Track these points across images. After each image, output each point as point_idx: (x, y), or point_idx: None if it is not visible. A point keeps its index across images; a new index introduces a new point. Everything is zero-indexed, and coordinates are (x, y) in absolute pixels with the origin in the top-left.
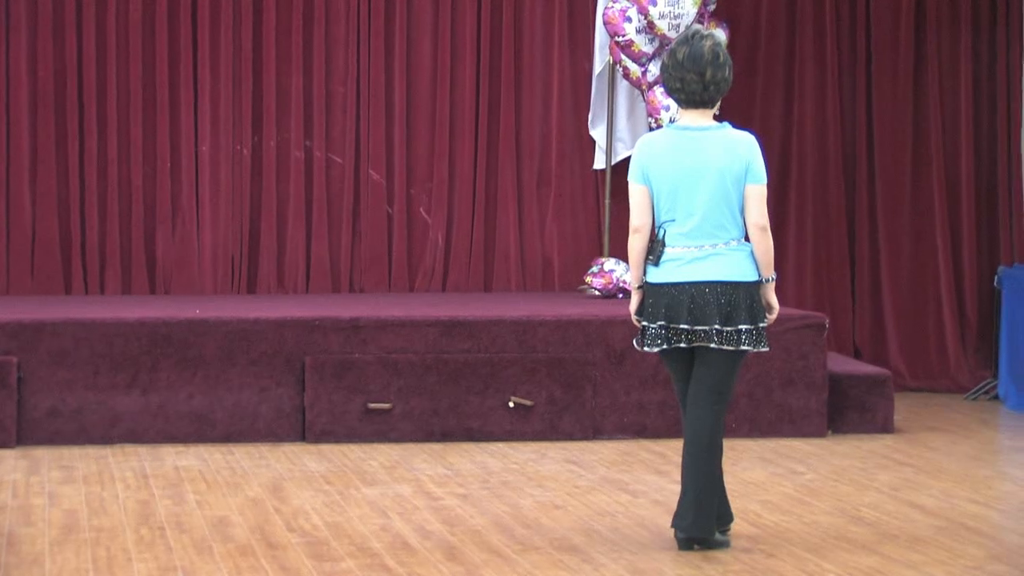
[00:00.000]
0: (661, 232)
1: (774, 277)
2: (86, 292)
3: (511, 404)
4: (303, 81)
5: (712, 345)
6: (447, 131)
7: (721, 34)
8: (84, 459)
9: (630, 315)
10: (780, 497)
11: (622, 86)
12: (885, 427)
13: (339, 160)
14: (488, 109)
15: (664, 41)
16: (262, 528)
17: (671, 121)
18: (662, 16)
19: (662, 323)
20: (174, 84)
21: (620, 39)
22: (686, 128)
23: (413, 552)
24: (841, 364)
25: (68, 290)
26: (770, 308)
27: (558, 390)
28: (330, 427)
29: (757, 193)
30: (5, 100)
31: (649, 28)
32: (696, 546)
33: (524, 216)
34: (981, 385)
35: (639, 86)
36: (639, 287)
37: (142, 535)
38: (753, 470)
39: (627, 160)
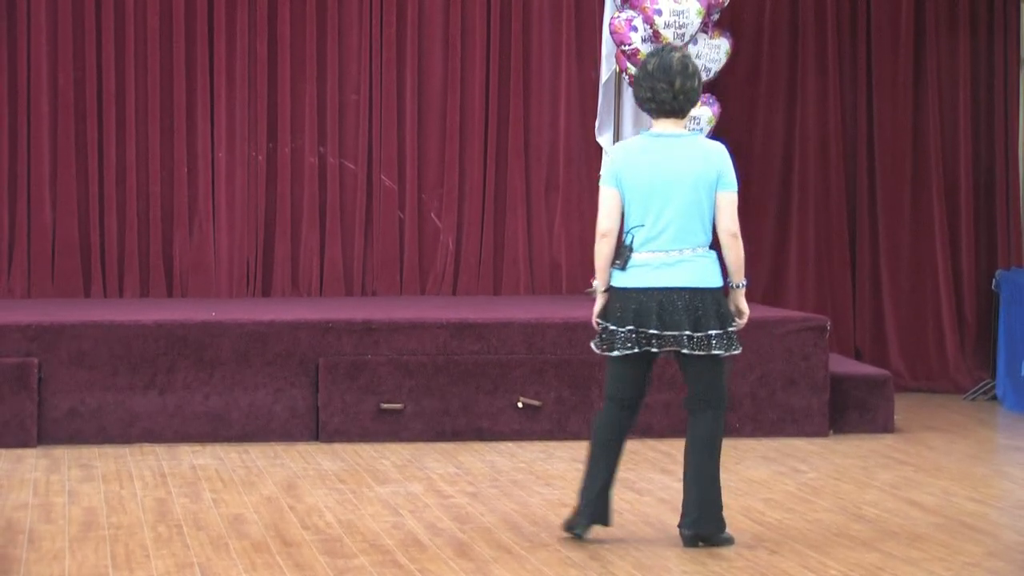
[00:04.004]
0: (629, 237)
1: (745, 283)
2: (105, 295)
3: (520, 404)
4: (317, 89)
5: (684, 351)
6: (457, 138)
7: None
8: (103, 458)
9: (592, 318)
10: (783, 495)
11: (628, 94)
12: (885, 427)
13: (352, 166)
14: (497, 116)
15: None
16: (277, 525)
17: (646, 128)
18: (667, 25)
19: (631, 327)
20: (191, 92)
21: (626, 48)
22: (660, 135)
23: (424, 549)
24: (842, 365)
25: (87, 293)
26: (740, 313)
27: (566, 391)
28: (343, 427)
29: (729, 200)
30: (26, 107)
31: (655, 37)
32: (701, 543)
33: (533, 221)
34: (979, 386)
35: None
36: (604, 291)
37: (160, 532)
38: (756, 469)
39: None
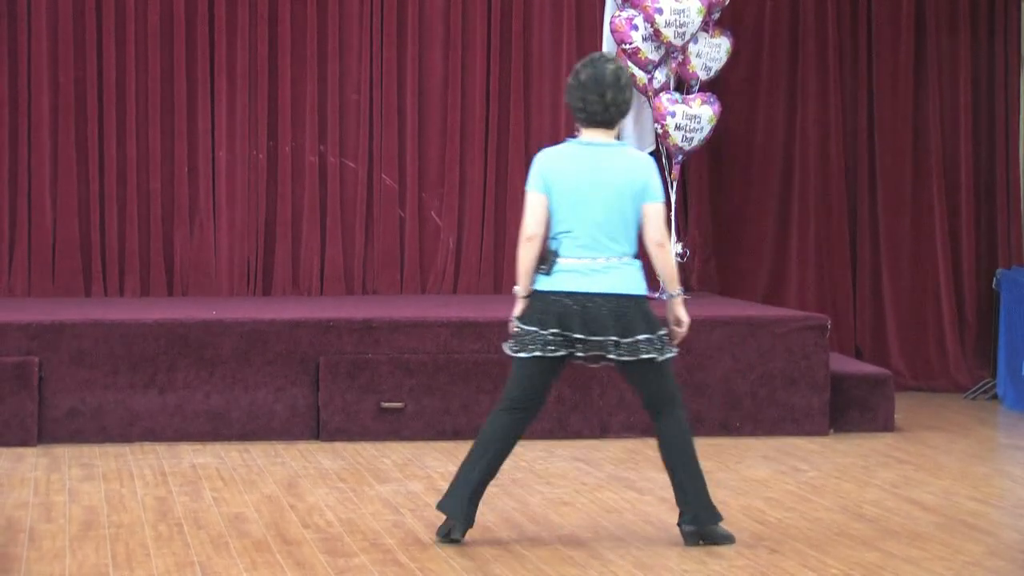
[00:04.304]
0: (556, 243)
1: (680, 292)
2: (105, 294)
3: None
4: (317, 88)
5: (611, 356)
6: (458, 136)
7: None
8: (103, 457)
9: (510, 321)
10: (783, 494)
11: None
12: (886, 426)
13: (352, 165)
14: (498, 114)
15: (670, 49)
16: (277, 524)
17: (575, 135)
18: (668, 24)
19: (556, 330)
20: (192, 91)
21: (627, 46)
22: (589, 143)
23: (425, 548)
24: (843, 364)
25: (88, 292)
26: (680, 322)
27: (566, 389)
28: (344, 426)
29: (655, 211)
30: (27, 106)
31: (655, 36)
32: (701, 541)
33: None
34: (980, 385)
35: (645, 93)
36: (525, 296)
37: (160, 531)
38: (757, 468)
39: None
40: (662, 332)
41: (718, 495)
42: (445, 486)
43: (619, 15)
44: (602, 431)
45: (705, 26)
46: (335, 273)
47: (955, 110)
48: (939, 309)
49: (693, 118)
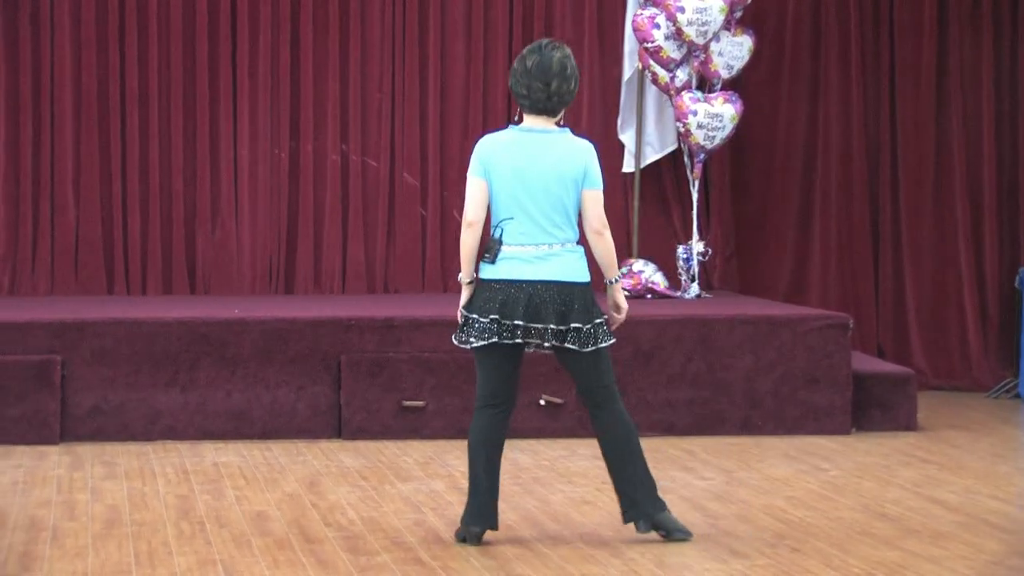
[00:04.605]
0: (499, 231)
1: (619, 278)
2: (128, 292)
3: (542, 402)
4: (339, 87)
5: (546, 344)
6: (480, 134)
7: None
8: (126, 455)
9: (457, 312)
10: (805, 493)
11: (651, 91)
12: (908, 425)
13: (374, 164)
14: (519, 113)
15: (692, 48)
16: (299, 522)
17: (516, 121)
18: (690, 23)
19: (495, 317)
20: (214, 90)
21: (649, 45)
22: (529, 130)
23: (446, 546)
24: (865, 363)
25: (110, 291)
26: (619, 308)
27: None
28: (365, 424)
29: (594, 198)
30: (50, 107)
31: (677, 34)
32: (656, 531)
33: None
34: (1002, 384)
35: (667, 91)
36: (469, 282)
37: (182, 529)
38: (778, 467)
39: (657, 164)
40: (598, 321)
41: (739, 494)
42: (466, 485)
43: (641, 13)
44: None
45: (727, 24)
46: (357, 272)
47: (978, 108)
48: (962, 308)
49: (715, 117)
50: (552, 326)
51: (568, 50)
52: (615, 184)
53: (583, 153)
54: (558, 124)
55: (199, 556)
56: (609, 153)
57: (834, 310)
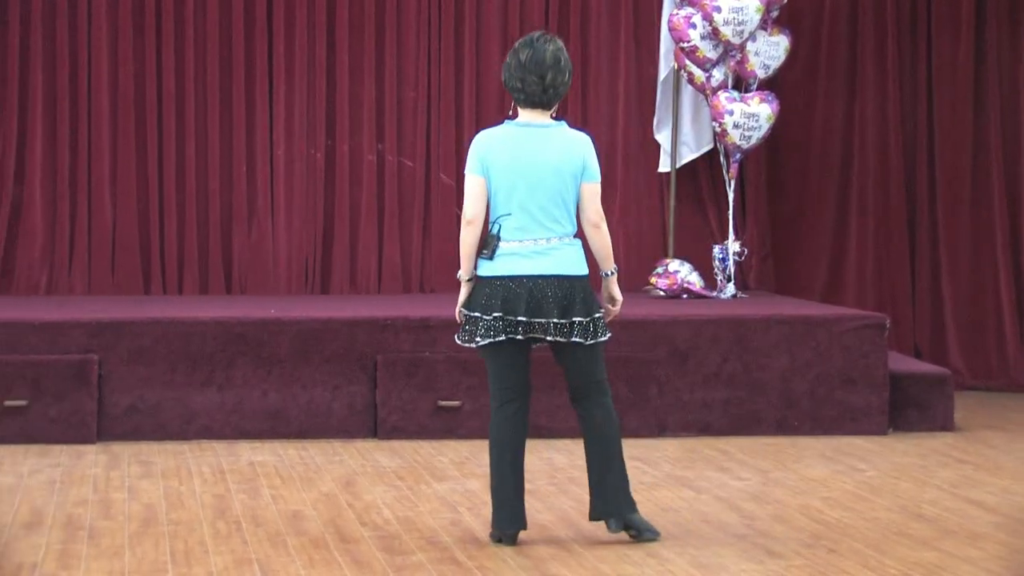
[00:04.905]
0: (496, 227)
1: (615, 270)
2: (164, 292)
3: None
4: (375, 87)
5: (548, 338)
6: None
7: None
8: (162, 454)
9: (456, 310)
10: (841, 493)
11: (687, 91)
12: (945, 425)
13: (410, 164)
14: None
15: (728, 47)
16: (335, 522)
17: (511, 116)
18: (726, 22)
19: (498, 314)
20: (250, 90)
21: (685, 45)
22: (526, 124)
23: (482, 546)
24: (902, 363)
25: (147, 290)
26: (614, 300)
27: (623, 388)
28: (401, 424)
29: (592, 191)
30: (87, 107)
31: (714, 34)
32: (627, 531)
33: None
34: None
35: (703, 91)
36: (468, 280)
37: (218, 528)
38: (815, 467)
39: (693, 164)
40: (597, 315)
41: (775, 494)
42: None
43: (677, 13)
44: (659, 430)
45: (763, 24)
46: (392, 272)
47: (1016, 106)
48: (999, 307)
49: (751, 116)
50: (555, 320)
51: (560, 43)
52: (651, 184)
53: (581, 146)
54: (553, 117)
55: (235, 555)
56: (645, 153)
57: (870, 310)
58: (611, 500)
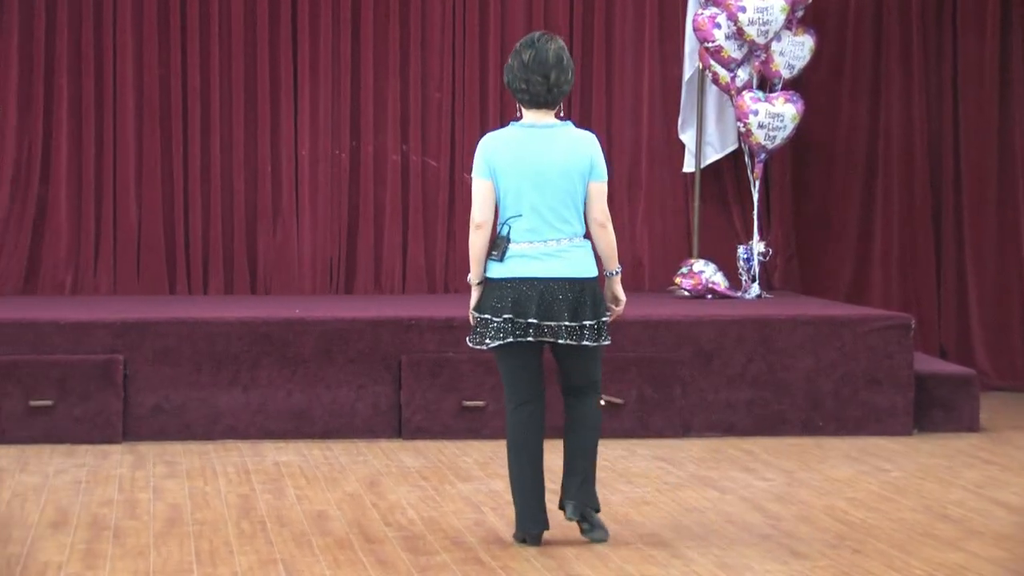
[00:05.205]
0: (506, 228)
1: (619, 270)
2: (189, 292)
3: (602, 402)
4: (400, 87)
5: (560, 341)
6: None
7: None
8: (187, 454)
9: (468, 313)
10: (866, 494)
11: (711, 91)
12: (971, 426)
13: (435, 164)
14: (580, 113)
15: (753, 47)
16: (359, 522)
17: (517, 118)
18: (751, 22)
19: (508, 316)
20: (275, 90)
21: (710, 45)
22: (531, 125)
23: (506, 546)
24: (927, 364)
25: (172, 290)
26: (617, 300)
27: (648, 389)
28: (425, 424)
29: (599, 190)
30: (112, 107)
31: (738, 34)
32: (584, 521)
33: (615, 218)
34: None
35: (728, 91)
36: (479, 283)
37: (243, 528)
38: (840, 468)
39: (717, 163)
40: (604, 318)
41: (800, 495)
42: None
43: (702, 13)
44: (684, 430)
45: (788, 24)
46: (417, 272)
47: None
48: None
49: (776, 116)
50: (566, 323)
51: (561, 41)
52: (676, 184)
53: (588, 146)
54: (558, 116)
55: (260, 555)
56: (669, 153)
57: (896, 310)
58: (578, 493)
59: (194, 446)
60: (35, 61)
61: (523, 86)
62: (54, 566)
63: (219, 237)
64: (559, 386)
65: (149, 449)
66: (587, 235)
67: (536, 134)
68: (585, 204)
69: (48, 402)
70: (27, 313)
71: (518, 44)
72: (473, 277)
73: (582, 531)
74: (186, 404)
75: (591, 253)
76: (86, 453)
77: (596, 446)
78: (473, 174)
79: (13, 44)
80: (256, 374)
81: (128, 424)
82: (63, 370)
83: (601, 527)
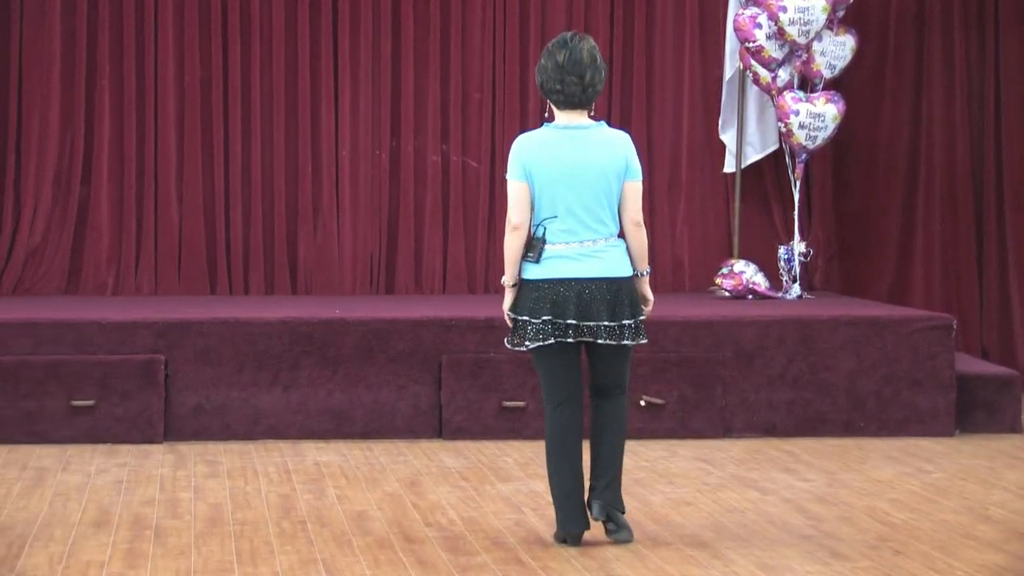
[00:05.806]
0: (541, 230)
1: (648, 271)
2: (230, 292)
3: (643, 403)
4: (440, 87)
5: (600, 340)
6: None
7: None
8: (228, 454)
9: (503, 313)
10: (908, 495)
11: (752, 91)
12: (1013, 427)
13: (475, 164)
14: (620, 114)
15: (794, 47)
16: (400, 522)
17: (548, 120)
18: (792, 22)
19: (547, 318)
20: (316, 91)
21: (750, 45)
22: (566, 127)
23: (547, 547)
24: (969, 364)
25: (213, 290)
26: (646, 300)
27: (688, 389)
28: (466, 424)
29: (635, 189)
30: (154, 108)
31: (779, 34)
32: (609, 521)
33: (655, 218)
34: None
35: (769, 91)
36: (513, 285)
37: (284, 528)
38: (881, 469)
39: (757, 164)
40: (641, 317)
41: (842, 496)
42: None
43: (743, 13)
44: (724, 431)
45: (830, 24)
46: (457, 272)
47: None
48: None
49: (817, 116)
50: (605, 323)
51: (593, 41)
52: (716, 185)
53: (622, 146)
54: (591, 116)
55: (300, 555)
56: (710, 153)
57: (938, 311)
58: (604, 489)
59: (235, 446)
60: (77, 62)
61: (558, 87)
62: (96, 565)
63: (260, 237)
64: (587, 387)
65: (190, 449)
66: (620, 234)
67: (571, 135)
68: (620, 204)
69: (90, 402)
70: (69, 313)
71: (549, 45)
72: (508, 279)
73: (607, 531)
74: (227, 404)
75: (626, 253)
76: (127, 453)
77: (622, 447)
78: (508, 176)
79: (55, 45)
80: (297, 374)
81: (169, 424)
82: (105, 370)
83: (626, 527)
